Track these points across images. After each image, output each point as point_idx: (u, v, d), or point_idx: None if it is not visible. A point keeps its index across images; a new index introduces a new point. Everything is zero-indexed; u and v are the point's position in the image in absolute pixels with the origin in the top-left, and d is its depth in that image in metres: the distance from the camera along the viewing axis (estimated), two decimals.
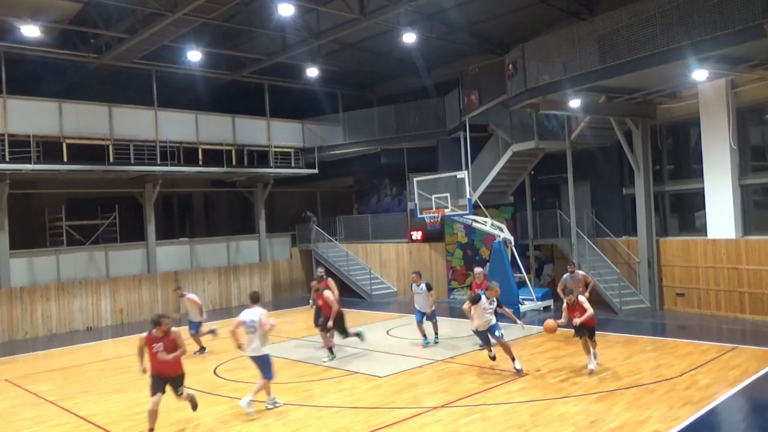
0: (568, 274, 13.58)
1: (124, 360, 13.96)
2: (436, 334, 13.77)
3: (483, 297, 10.60)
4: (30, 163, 17.38)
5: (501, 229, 18.01)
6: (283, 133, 23.59)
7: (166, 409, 9.79)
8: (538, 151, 19.00)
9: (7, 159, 17.04)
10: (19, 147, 17.31)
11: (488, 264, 18.75)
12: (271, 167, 22.93)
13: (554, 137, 18.70)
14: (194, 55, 19.28)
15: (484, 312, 10.59)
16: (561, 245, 19.01)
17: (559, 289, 12.11)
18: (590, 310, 10.45)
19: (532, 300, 17.82)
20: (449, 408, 9.07)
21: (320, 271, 14.74)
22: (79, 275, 18.95)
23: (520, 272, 18.39)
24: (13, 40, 17.11)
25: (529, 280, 19.25)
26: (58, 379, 12.62)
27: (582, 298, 10.69)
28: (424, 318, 13.54)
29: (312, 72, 21.85)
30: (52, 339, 17.66)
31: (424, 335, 13.59)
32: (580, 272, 13.71)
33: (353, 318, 18.29)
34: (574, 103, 15.30)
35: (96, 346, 16.30)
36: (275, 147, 23.17)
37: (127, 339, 17.00)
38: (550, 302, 17.90)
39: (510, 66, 15.95)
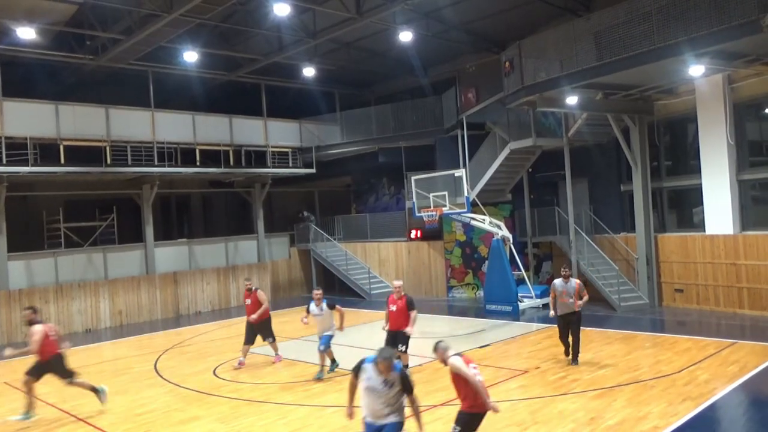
0: (560, 279, 11.35)
1: (124, 361, 13.97)
2: (333, 361, 11.62)
3: (370, 367, 6.11)
4: (27, 166, 17.32)
5: (499, 227, 18.03)
6: (280, 133, 23.56)
7: (166, 410, 9.81)
8: (536, 148, 19.01)
9: (4, 162, 16.97)
10: (17, 149, 17.25)
11: (487, 262, 18.77)
12: (269, 167, 22.92)
13: (552, 134, 18.72)
14: (191, 56, 19.23)
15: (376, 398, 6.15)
16: (559, 242, 19.03)
17: (550, 299, 11.53)
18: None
19: (531, 297, 17.84)
20: (449, 406, 9.05)
21: (248, 283, 13.13)
22: (78, 277, 18.92)
23: (519, 270, 18.40)
24: (9, 43, 17.05)
25: (528, 278, 19.26)
26: (57, 381, 12.57)
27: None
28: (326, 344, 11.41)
29: (309, 72, 21.83)
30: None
31: (324, 364, 11.42)
32: (576, 281, 11.31)
33: (353, 317, 18.30)
34: (571, 100, 15.31)
35: (95, 348, 16.28)
36: (273, 147, 23.15)
37: (127, 341, 17.01)
38: (548, 299, 17.89)
39: (506, 64, 15.95)
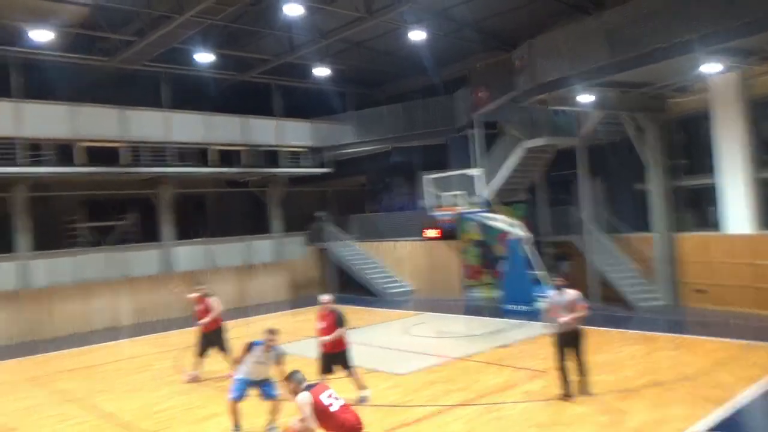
0: (553, 291, 9.80)
1: (143, 359, 14.11)
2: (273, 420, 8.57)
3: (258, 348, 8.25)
4: (46, 167, 17.60)
5: (516, 227, 17.97)
6: (293, 133, 23.70)
7: (187, 407, 9.90)
8: (550, 147, 18.92)
9: (23, 163, 17.22)
10: (35, 151, 17.52)
11: (504, 261, 18.72)
12: (283, 167, 23.03)
13: (566, 133, 18.59)
14: (203, 57, 19.43)
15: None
16: (576, 242, 18.93)
17: (546, 316, 9.73)
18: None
19: (549, 297, 17.73)
20: (468, 406, 9.09)
21: (200, 288, 12.10)
22: (98, 276, 19.10)
23: (536, 270, 18.32)
24: (27, 46, 17.28)
25: (545, 278, 19.17)
26: (79, 378, 12.75)
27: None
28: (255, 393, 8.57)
29: (320, 71, 21.95)
30: (72, 338, 17.83)
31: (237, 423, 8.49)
32: (572, 292, 9.47)
33: (368, 317, 18.37)
34: (583, 98, 15.20)
35: (115, 345, 16.45)
36: (286, 147, 23.28)
37: (146, 339, 17.16)
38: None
39: (518, 62, 15.90)
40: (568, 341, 9.14)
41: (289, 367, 7.29)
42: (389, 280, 23.06)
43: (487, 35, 20.06)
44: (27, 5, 15.89)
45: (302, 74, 22.79)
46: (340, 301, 22.04)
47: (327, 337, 9.54)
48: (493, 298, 20.08)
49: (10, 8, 15.89)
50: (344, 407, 6.08)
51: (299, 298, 23.75)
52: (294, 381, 6.28)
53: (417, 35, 18.21)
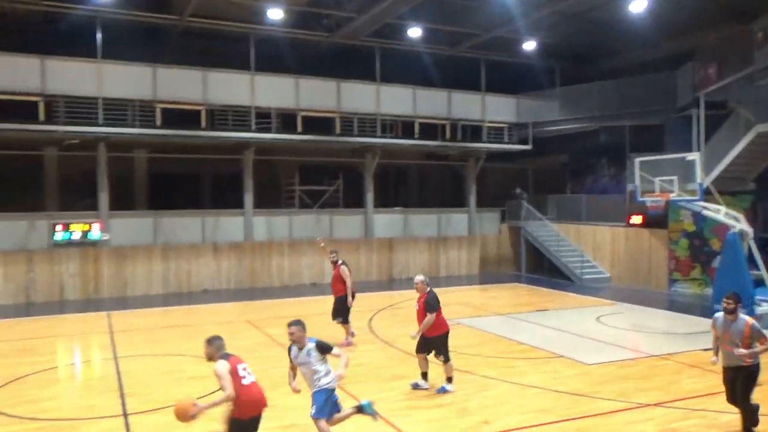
0: (721, 314, 7.50)
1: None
2: None
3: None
4: (271, 133, 19.68)
5: (737, 220, 16.11)
6: (496, 109, 23.55)
7: (378, 366, 10.56)
8: None
9: (253, 128, 19.42)
10: (264, 118, 19.66)
11: (719, 257, 16.95)
12: (484, 142, 23.08)
13: None
14: (415, 32, 20.06)
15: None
16: None
17: (713, 340, 7.75)
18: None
19: None
20: (663, 407, 8.51)
21: (332, 254, 12.36)
22: (307, 235, 20.99)
23: (758, 269, 16.32)
24: (264, 23, 19.21)
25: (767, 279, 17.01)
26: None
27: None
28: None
29: (529, 45, 21.39)
30: (283, 290, 19.89)
31: None
32: (748, 320, 7.30)
33: (561, 301, 17.89)
34: None
35: (320, 300, 17.89)
36: (488, 122, 23.24)
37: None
38: None
39: (760, 35, 14.05)
40: (736, 378, 7.39)
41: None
42: (586, 265, 22.11)
43: (719, 4, 17.92)
44: None
45: (510, 48, 22.45)
46: (531, 281, 22.02)
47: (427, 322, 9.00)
48: (702, 296, 18.32)
49: None
50: (254, 383, 6.14)
51: (490, 273, 23.85)
52: (212, 347, 6.16)
53: (639, 5, 16.90)
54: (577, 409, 8.43)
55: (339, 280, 12.07)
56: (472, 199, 24.11)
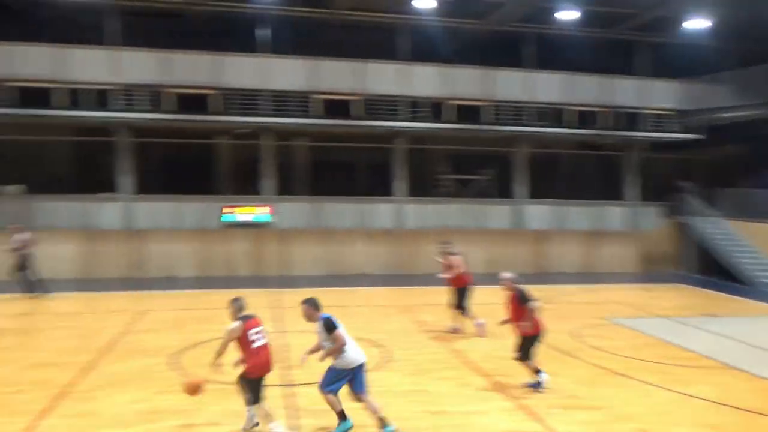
0: None
1: (491, 307, 14.96)
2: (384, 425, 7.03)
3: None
4: (423, 123, 19.99)
5: None
6: (658, 94, 21.99)
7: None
8: None
9: (404, 118, 19.84)
10: (415, 107, 20.04)
11: None
12: (643, 131, 21.62)
13: None
14: (566, 15, 19.34)
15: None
16: None
17: None
18: None
19: None
20: None
21: (445, 246, 12.81)
22: (455, 224, 20.96)
23: None
24: (412, 12, 19.45)
25: None
26: (437, 312, 14.06)
27: None
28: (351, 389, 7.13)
29: (694, 24, 19.58)
30: (430, 278, 20.05)
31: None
32: None
33: (734, 306, 16.35)
34: None
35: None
36: (648, 109, 21.71)
37: (494, 288, 18.20)
38: None
39: None
40: None
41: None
42: (764, 267, 19.93)
43: None
44: None
45: (670, 29, 20.69)
46: (698, 283, 20.31)
47: (525, 323, 8.82)
48: None
49: None
50: (264, 346, 6.72)
51: (650, 272, 22.32)
52: (232, 308, 6.77)
53: None
54: (752, 428, 7.65)
55: (450, 269, 12.35)
56: (631, 192, 22.66)
